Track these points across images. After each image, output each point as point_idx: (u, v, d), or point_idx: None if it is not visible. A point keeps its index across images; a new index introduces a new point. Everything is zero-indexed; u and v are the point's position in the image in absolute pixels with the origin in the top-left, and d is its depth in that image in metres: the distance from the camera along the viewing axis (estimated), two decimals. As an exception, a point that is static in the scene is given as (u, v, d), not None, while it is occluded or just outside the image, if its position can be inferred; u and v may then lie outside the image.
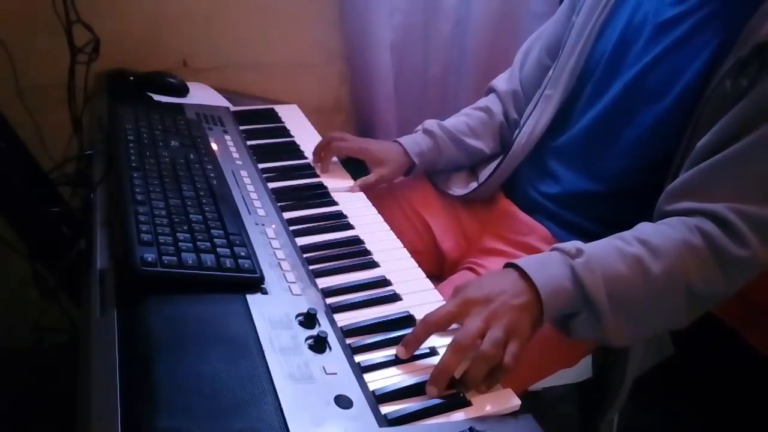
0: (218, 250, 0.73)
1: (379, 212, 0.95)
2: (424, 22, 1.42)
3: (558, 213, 0.97)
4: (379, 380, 0.64)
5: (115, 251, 0.73)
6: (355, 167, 1.07)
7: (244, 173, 0.98)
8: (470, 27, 1.43)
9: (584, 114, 0.95)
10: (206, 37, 1.31)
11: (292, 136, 1.16)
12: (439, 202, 1.11)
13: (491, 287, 0.69)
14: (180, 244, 0.72)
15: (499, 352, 0.64)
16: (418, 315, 0.73)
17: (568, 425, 1.15)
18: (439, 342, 0.69)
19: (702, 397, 1.50)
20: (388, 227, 0.91)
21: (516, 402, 0.63)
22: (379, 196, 1.08)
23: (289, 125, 1.20)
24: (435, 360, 0.67)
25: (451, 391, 0.63)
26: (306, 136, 1.15)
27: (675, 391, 1.49)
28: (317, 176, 1.03)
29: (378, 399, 0.61)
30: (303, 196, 0.96)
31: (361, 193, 1.00)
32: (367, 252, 0.84)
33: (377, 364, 0.66)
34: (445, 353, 0.63)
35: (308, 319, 0.69)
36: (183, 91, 1.22)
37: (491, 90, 1.16)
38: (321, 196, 0.97)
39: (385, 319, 0.72)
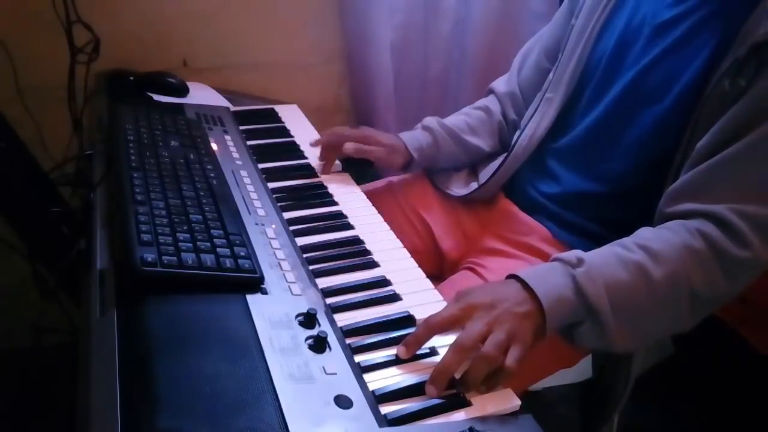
0: (218, 250, 0.73)
1: (379, 212, 0.95)
2: (424, 22, 1.42)
3: (558, 213, 0.97)
4: (379, 380, 0.64)
5: (115, 251, 0.73)
6: (355, 167, 1.07)
7: (244, 173, 0.98)
8: (470, 27, 1.43)
9: (585, 116, 0.95)
10: (206, 37, 1.31)
11: (292, 136, 1.16)
12: (439, 202, 1.11)
13: (495, 294, 0.69)
14: (180, 244, 0.72)
15: (500, 354, 0.64)
16: (418, 315, 0.73)
17: (568, 425, 1.14)
18: (440, 342, 0.69)
19: (702, 397, 1.50)
20: (388, 227, 0.91)
21: (516, 402, 0.63)
22: (379, 196, 1.08)
23: (289, 125, 1.20)
24: (435, 360, 0.67)
25: (451, 391, 0.63)
26: (306, 136, 1.15)
27: (675, 391, 1.49)
28: (317, 176, 1.03)
29: (378, 399, 0.61)
30: (303, 196, 0.96)
31: (361, 193, 1.00)
32: (367, 252, 0.84)
33: (377, 364, 0.66)
34: (446, 353, 0.64)
35: (308, 319, 0.69)
36: (183, 91, 1.22)
37: (491, 91, 1.16)
38: (321, 196, 0.97)
39: (385, 319, 0.72)
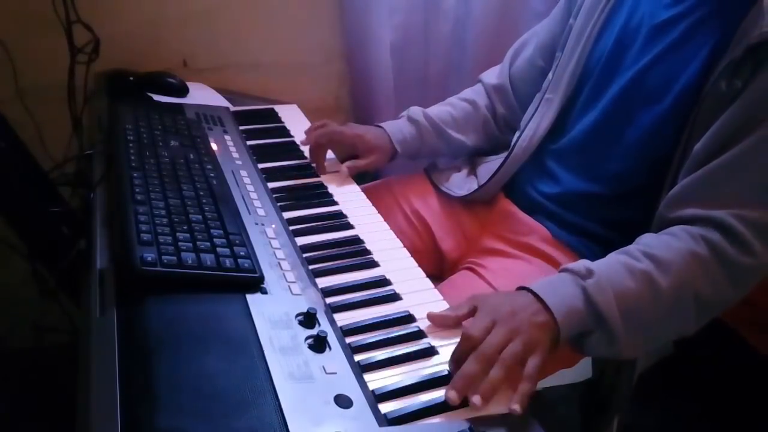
0: (218, 249, 0.73)
1: (379, 212, 0.95)
2: (424, 22, 1.42)
3: (558, 213, 0.97)
4: (378, 380, 0.64)
5: (115, 251, 0.73)
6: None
7: (244, 173, 0.98)
8: (470, 26, 1.43)
9: (583, 116, 0.95)
10: (206, 37, 1.31)
11: (292, 136, 1.16)
12: (439, 202, 1.11)
13: (513, 302, 0.70)
14: (180, 243, 0.72)
15: (517, 363, 0.65)
16: (418, 314, 0.73)
17: (568, 426, 1.15)
18: (439, 342, 0.69)
19: (702, 397, 1.49)
20: (387, 227, 0.91)
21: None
22: (379, 196, 1.08)
23: (289, 125, 1.20)
24: (435, 359, 0.67)
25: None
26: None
27: (675, 391, 1.48)
28: (317, 176, 1.03)
29: (378, 398, 0.61)
30: (303, 196, 0.96)
31: (361, 193, 1.00)
32: (367, 252, 0.84)
33: (377, 363, 0.66)
34: (468, 362, 0.64)
35: (308, 319, 0.69)
36: (183, 91, 1.22)
37: (479, 81, 1.16)
38: (321, 195, 0.97)
39: (384, 318, 0.72)
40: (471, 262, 1.00)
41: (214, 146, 1.03)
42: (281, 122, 1.21)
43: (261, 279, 0.73)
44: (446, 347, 0.68)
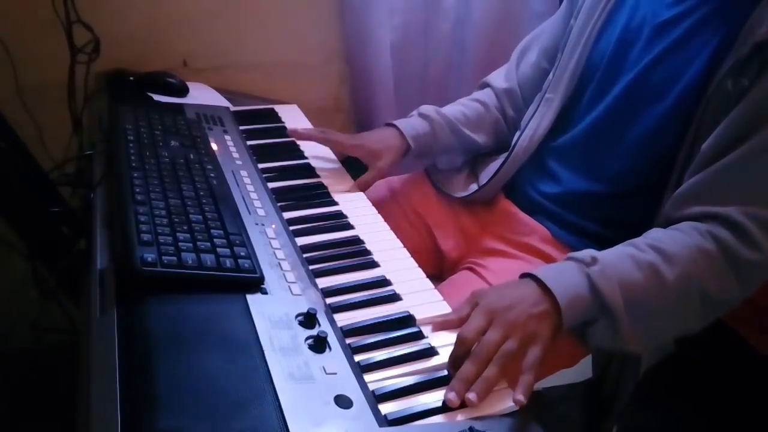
0: (218, 250, 0.73)
1: (379, 212, 0.95)
2: (424, 22, 1.42)
3: (558, 213, 0.97)
4: (379, 380, 0.64)
5: (115, 251, 0.73)
6: (355, 166, 1.07)
7: (244, 173, 0.98)
8: (470, 26, 1.43)
9: (585, 116, 0.95)
10: (206, 37, 1.31)
11: (292, 136, 1.16)
12: (439, 202, 1.11)
13: (511, 295, 0.70)
14: (180, 244, 0.72)
15: (511, 360, 0.65)
16: (418, 315, 0.73)
17: (568, 426, 1.14)
18: (439, 342, 0.69)
19: (702, 397, 1.49)
20: (388, 227, 0.91)
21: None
22: (379, 196, 1.08)
23: (289, 125, 1.20)
24: (435, 359, 0.67)
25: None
26: (306, 136, 1.15)
27: (675, 391, 1.48)
28: (317, 176, 1.03)
29: (378, 399, 0.61)
30: (303, 196, 0.96)
31: (361, 193, 1.00)
32: (367, 252, 0.84)
33: (377, 364, 0.66)
34: (465, 364, 0.64)
35: (308, 319, 0.69)
36: (183, 91, 1.22)
37: (486, 85, 1.16)
38: (321, 196, 0.97)
39: (385, 319, 0.72)
40: (471, 262, 1.00)
41: (214, 146, 1.03)
42: (281, 122, 1.21)
43: (261, 279, 0.73)
44: (446, 347, 0.68)
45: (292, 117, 1.24)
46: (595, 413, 1.04)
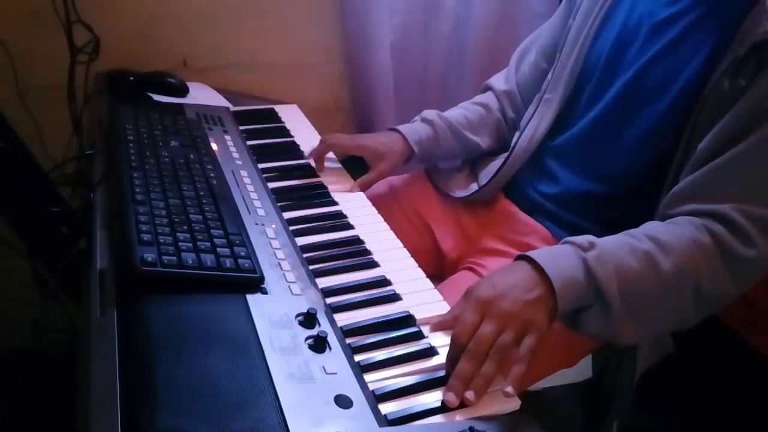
0: (218, 250, 0.73)
1: (379, 212, 0.95)
2: (424, 22, 1.42)
3: (558, 213, 0.97)
4: (379, 380, 0.64)
5: (115, 251, 0.73)
6: (355, 166, 1.07)
7: (244, 173, 0.98)
8: (470, 27, 1.43)
9: (584, 116, 0.95)
10: (206, 37, 1.31)
11: (292, 136, 1.16)
12: (439, 202, 1.11)
13: (503, 284, 0.69)
14: (180, 244, 0.72)
15: (508, 353, 0.64)
16: (418, 315, 0.73)
17: (568, 425, 1.15)
18: (439, 342, 0.69)
19: (702, 397, 1.50)
20: (388, 227, 0.91)
21: (516, 402, 0.63)
22: (379, 196, 1.08)
23: (289, 125, 1.20)
24: (435, 359, 0.67)
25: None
26: (306, 136, 1.15)
27: (675, 391, 1.48)
28: (317, 176, 1.03)
29: (378, 399, 0.61)
30: (303, 196, 0.96)
31: (361, 193, 1.00)
32: (367, 252, 0.84)
33: (377, 363, 0.66)
34: (461, 362, 0.63)
35: (308, 319, 0.69)
36: (183, 91, 1.22)
37: (488, 88, 1.16)
38: (321, 196, 0.97)
39: (385, 319, 0.72)
40: (471, 262, 1.00)
41: (214, 146, 1.03)
42: (281, 122, 1.21)
43: (261, 279, 0.73)
44: (446, 347, 0.68)
45: (292, 117, 1.24)
46: (594, 413, 1.04)
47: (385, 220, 0.93)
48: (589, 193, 0.94)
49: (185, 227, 0.76)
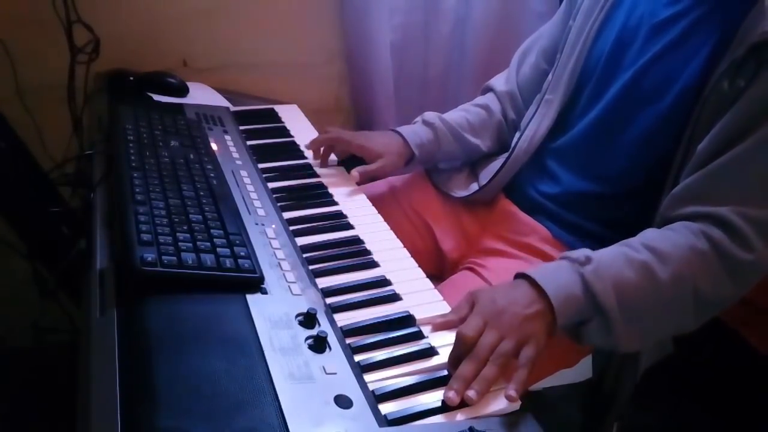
0: (218, 250, 0.73)
1: (379, 212, 0.95)
2: (424, 22, 1.42)
3: (558, 213, 0.97)
4: (379, 380, 0.64)
5: (115, 251, 0.73)
6: (355, 167, 1.07)
7: (244, 173, 0.98)
8: (470, 27, 1.43)
9: (584, 116, 0.95)
10: (206, 37, 1.31)
11: (292, 136, 1.16)
12: (440, 202, 1.11)
13: (505, 299, 0.70)
14: (180, 244, 0.72)
15: (508, 360, 0.65)
16: (418, 315, 0.73)
17: (568, 425, 1.14)
18: (439, 342, 0.69)
19: (702, 397, 1.50)
20: (388, 227, 0.91)
21: (516, 402, 0.63)
22: (379, 196, 1.08)
23: (289, 125, 1.20)
24: (435, 359, 0.67)
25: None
26: (306, 136, 1.15)
27: (675, 391, 1.48)
28: (317, 176, 1.03)
29: (378, 399, 0.61)
30: (303, 196, 0.96)
31: (362, 193, 1.00)
32: (367, 252, 0.84)
33: (377, 363, 0.66)
34: (463, 364, 0.64)
35: (308, 319, 0.69)
36: (183, 91, 1.22)
37: (489, 89, 1.16)
38: (321, 196, 0.97)
39: (385, 319, 0.72)
40: (471, 262, 1.00)
41: (214, 146, 1.03)
42: (281, 122, 1.21)
43: (261, 279, 0.73)
44: (446, 347, 0.68)
45: (292, 117, 1.24)
46: (595, 413, 1.04)
47: (385, 220, 0.93)
48: (590, 193, 0.94)
49: (185, 227, 0.76)
